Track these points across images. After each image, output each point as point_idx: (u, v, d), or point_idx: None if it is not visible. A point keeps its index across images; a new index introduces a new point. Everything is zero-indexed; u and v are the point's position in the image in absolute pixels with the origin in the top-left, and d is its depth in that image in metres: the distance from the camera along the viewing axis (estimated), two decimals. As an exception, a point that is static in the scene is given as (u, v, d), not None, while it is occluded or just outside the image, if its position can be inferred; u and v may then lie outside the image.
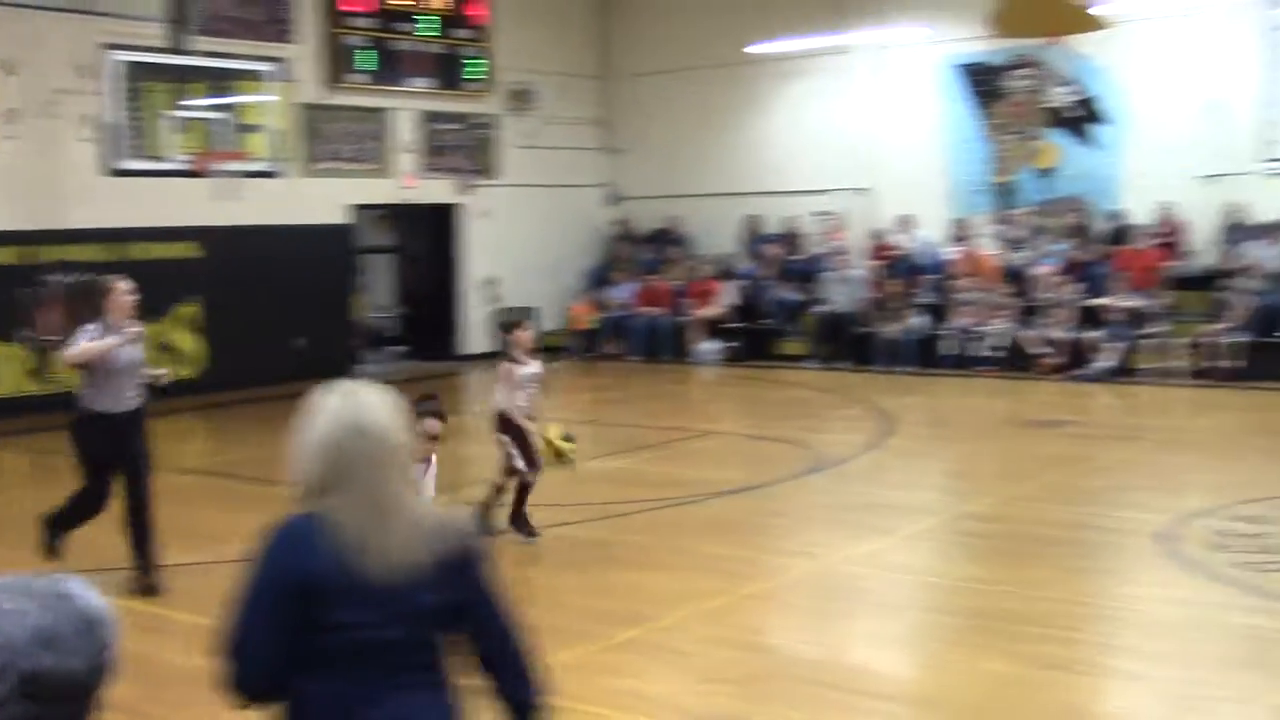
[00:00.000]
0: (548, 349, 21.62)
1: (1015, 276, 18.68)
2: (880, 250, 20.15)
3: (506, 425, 9.04)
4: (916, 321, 18.93)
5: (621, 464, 12.38)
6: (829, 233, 20.77)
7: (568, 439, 9.52)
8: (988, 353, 18.17)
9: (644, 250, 22.69)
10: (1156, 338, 17.12)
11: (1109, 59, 18.80)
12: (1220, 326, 16.67)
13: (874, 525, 9.76)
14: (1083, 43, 18.24)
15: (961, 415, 15.68)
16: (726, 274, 21.21)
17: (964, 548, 9.49)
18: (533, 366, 9.25)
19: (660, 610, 7.61)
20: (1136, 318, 17.25)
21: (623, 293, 21.78)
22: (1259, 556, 8.38)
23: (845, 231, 20.65)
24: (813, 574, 8.50)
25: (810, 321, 19.88)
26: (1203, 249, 18.09)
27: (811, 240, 21.14)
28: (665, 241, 22.63)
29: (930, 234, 20.10)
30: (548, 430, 9.35)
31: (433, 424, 6.24)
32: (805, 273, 20.50)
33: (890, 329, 18.98)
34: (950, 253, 19.56)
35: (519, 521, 9.13)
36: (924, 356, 18.63)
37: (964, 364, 18.24)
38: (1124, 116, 18.93)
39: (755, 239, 21.77)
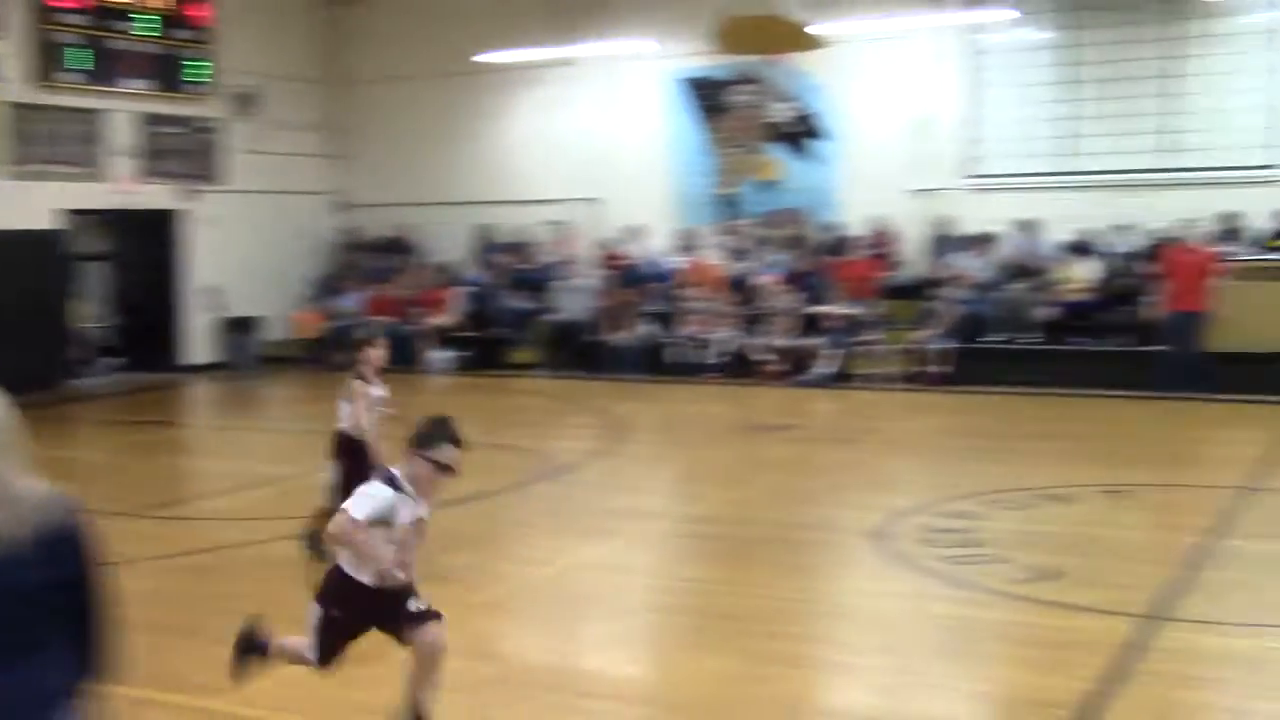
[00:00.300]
0: (275, 359, 21.23)
1: (739, 286, 19.23)
2: (609, 259, 20.45)
3: (346, 449, 8.52)
4: (645, 329, 19.29)
5: (351, 475, 12.20)
6: (559, 242, 20.96)
7: None
8: (713, 360, 18.65)
9: (373, 258, 22.42)
10: (871, 344, 17.89)
11: (826, 77, 19.57)
12: (929, 333, 17.53)
13: (604, 529, 9.90)
14: (801, 61, 18.97)
15: (689, 421, 16.04)
16: (457, 282, 21.15)
17: (691, 549, 9.74)
18: (381, 389, 8.71)
19: (390, 621, 7.54)
20: (853, 325, 17.99)
21: (351, 301, 21.46)
22: (963, 550, 8.86)
23: (575, 241, 20.88)
24: (544, 580, 8.57)
25: (541, 330, 20.01)
26: (913, 260, 19.01)
27: (542, 249, 21.29)
28: (395, 249, 22.43)
29: (658, 244, 20.51)
30: None
31: (452, 453, 5.22)
32: (536, 281, 20.63)
33: (619, 337, 19.28)
34: (677, 262, 20.00)
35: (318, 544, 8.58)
36: (652, 364, 18.99)
37: (691, 371, 18.67)
38: (840, 132, 19.73)
39: (486, 248, 21.79)
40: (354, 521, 5.19)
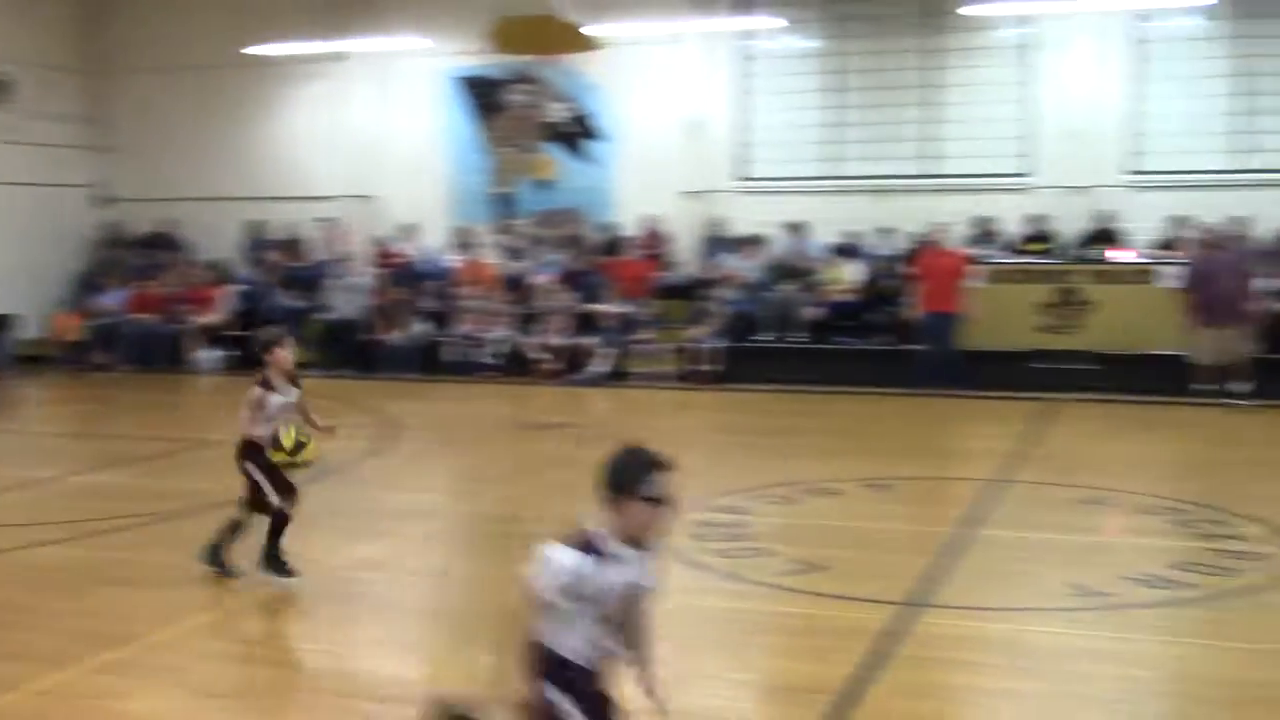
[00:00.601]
0: (30, 359, 20.33)
1: (515, 284, 19.24)
2: (384, 257, 20.21)
3: (254, 454, 8.03)
4: (420, 328, 19.13)
5: (109, 478, 11.82)
6: (332, 239, 20.63)
7: (300, 444, 8.18)
8: (489, 359, 18.61)
9: (137, 255, 21.68)
10: (645, 343, 18.11)
11: (601, 78, 19.74)
12: (701, 332, 17.84)
13: (378, 529, 9.79)
14: (577, 62, 19.08)
15: (465, 420, 15.97)
16: (227, 280, 20.61)
17: (465, 548, 9.72)
18: (288, 394, 8.13)
19: (152, 627, 7.32)
20: (627, 324, 18.19)
21: (113, 299, 20.71)
22: (733, 544, 9.06)
23: (348, 238, 20.58)
24: (316, 580, 8.41)
25: (313, 329, 19.63)
26: (686, 260, 19.33)
27: (314, 247, 20.91)
28: (160, 246, 21.73)
29: (433, 242, 20.37)
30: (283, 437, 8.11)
31: (662, 481, 4.10)
32: (308, 279, 20.25)
33: (394, 336, 19.07)
34: (452, 261, 19.90)
35: (274, 562, 8.10)
36: (427, 363, 18.84)
37: (466, 370, 18.59)
38: (615, 133, 19.93)
39: (257, 245, 21.29)
40: (538, 591, 4.13)
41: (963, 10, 18.28)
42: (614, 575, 4.12)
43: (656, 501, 4.08)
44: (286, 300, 20.10)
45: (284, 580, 8.05)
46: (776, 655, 7.10)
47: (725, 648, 7.18)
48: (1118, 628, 7.28)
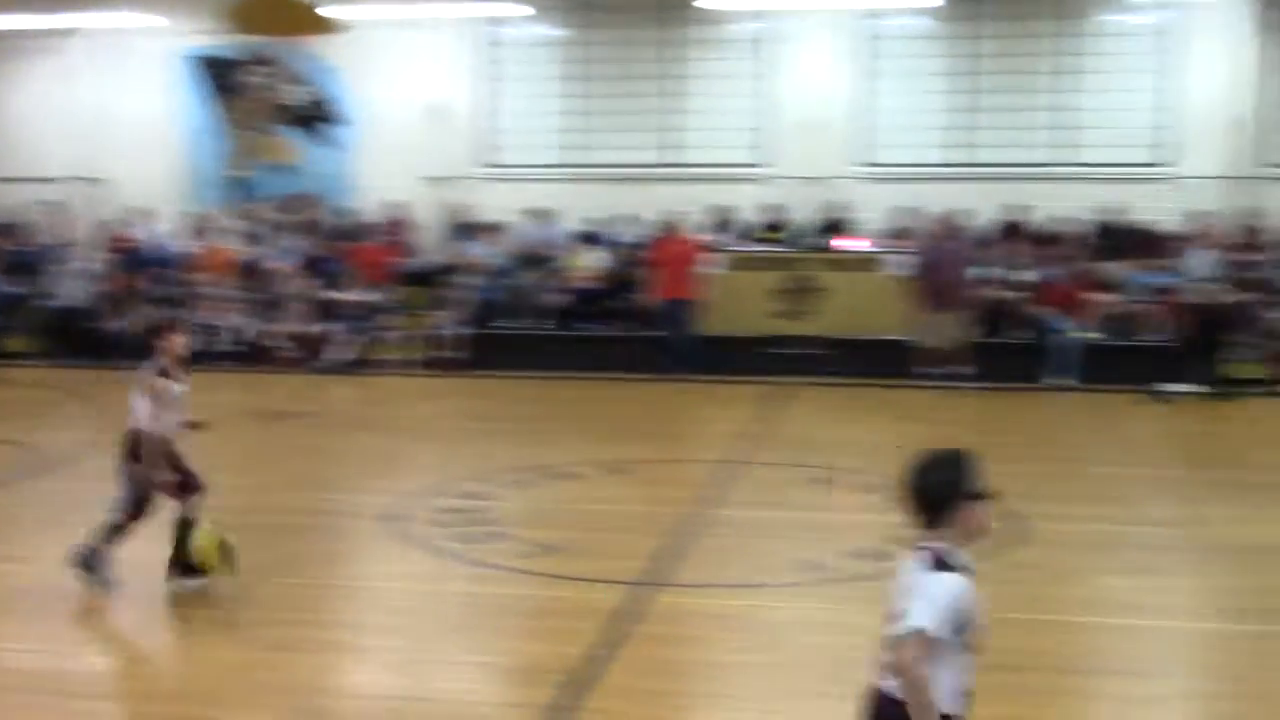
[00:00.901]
0: None
1: (253, 271, 18.77)
2: (114, 242, 19.45)
3: (146, 452, 7.46)
4: (152, 315, 18.49)
5: None
6: (56, 223, 19.76)
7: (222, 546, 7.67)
8: (226, 347, 18.12)
9: None
10: (387, 330, 17.92)
11: (342, 61, 19.45)
12: (444, 319, 17.77)
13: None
14: (316, 43, 18.76)
15: (202, 409, 15.42)
16: (-61, 265, 19.54)
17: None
18: (184, 383, 7.59)
19: None
20: (370, 311, 17.96)
21: None
22: (474, 529, 9.10)
23: (73, 222, 19.75)
24: (31, 579, 8.08)
25: (35, 316, 18.78)
26: (429, 246, 19.20)
27: (37, 230, 19.99)
28: None
29: (167, 227, 19.71)
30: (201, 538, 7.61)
31: (982, 474, 3.75)
32: (30, 264, 19.34)
33: (123, 323, 18.37)
34: (186, 246, 19.30)
35: (179, 567, 7.65)
36: (161, 351, 18.22)
37: (203, 358, 18.01)
38: (357, 117, 19.66)
39: (-28, 228, 20.24)
40: (921, 639, 3.57)
41: (700, 3, 18.65)
42: (976, 591, 3.70)
43: (982, 496, 3.73)
44: (6, 286, 19.16)
45: (96, 581, 7.59)
46: (515, 637, 7.17)
47: (465, 631, 7.22)
48: (837, 600, 7.62)
